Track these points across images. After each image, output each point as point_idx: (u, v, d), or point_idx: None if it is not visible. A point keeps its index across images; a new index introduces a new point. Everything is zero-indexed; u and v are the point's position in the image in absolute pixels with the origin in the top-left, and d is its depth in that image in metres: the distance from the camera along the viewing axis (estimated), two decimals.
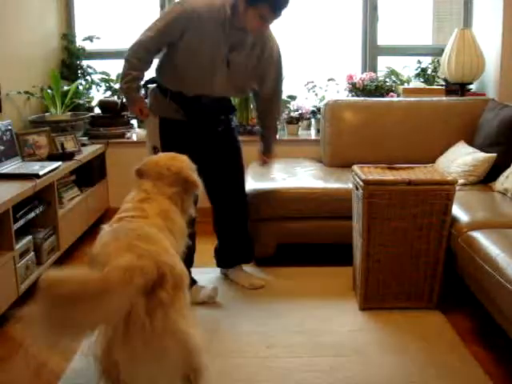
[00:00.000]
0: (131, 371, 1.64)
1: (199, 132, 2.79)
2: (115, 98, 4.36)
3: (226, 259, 3.11)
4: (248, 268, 3.16)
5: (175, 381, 1.71)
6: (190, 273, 2.47)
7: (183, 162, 2.21)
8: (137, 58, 2.66)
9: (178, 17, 2.60)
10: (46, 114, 4.00)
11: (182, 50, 2.63)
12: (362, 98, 4.11)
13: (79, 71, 4.39)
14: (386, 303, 2.74)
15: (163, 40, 2.66)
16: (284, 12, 2.59)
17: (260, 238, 3.19)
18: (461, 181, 3.10)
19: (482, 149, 3.35)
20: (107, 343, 1.64)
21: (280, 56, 2.87)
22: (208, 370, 1.79)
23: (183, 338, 1.65)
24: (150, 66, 2.77)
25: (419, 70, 4.44)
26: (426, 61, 4.48)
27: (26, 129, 3.70)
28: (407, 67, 4.52)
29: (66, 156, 3.51)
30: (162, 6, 4.42)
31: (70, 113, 4.05)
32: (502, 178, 3.11)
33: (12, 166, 3.20)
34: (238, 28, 2.61)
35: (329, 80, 4.40)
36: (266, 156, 3.10)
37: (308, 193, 3.22)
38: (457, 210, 2.73)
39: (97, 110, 4.37)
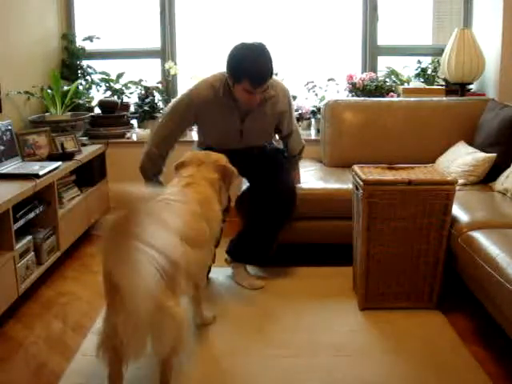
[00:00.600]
0: (122, 337, 1.78)
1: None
2: (115, 98, 4.36)
3: (239, 250, 3.06)
4: (249, 268, 3.15)
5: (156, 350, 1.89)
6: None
7: (220, 155, 2.50)
8: (155, 146, 2.95)
9: (187, 108, 2.86)
10: (46, 114, 4.00)
11: (201, 126, 3.00)
12: (362, 98, 4.11)
13: (79, 71, 4.39)
14: (386, 303, 2.74)
15: (178, 129, 2.96)
16: (265, 83, 2.71)
17: None
18: (461, 181, 3.10)
19: (482, 149, 3.35)
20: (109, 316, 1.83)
21: (289, 96, 3.03)
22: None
23: (164, 317, 1.81)
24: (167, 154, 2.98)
25: (419, 70, 4.44)
26: (426, 61, 4.47)
27: (26, 129, 3.70)
28: (407, 67, 4.52)
29: (66, 156, 3.51)
30: (162, 7, 4.43)
31: (69, 113, 4.05)
32: (502, 178, 3.12)
33: (12, 166, 3.20)
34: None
35: (329, 80, 4.39)
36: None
37: (308, 193, 3.22)
38: (457, 210, 2.73)
39: (97, 110, 4.37)
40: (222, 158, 2.48)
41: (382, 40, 4.48)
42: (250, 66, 2.65)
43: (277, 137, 3.27)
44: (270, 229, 3.02)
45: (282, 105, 2.97)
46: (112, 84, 4.41)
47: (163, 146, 2.96)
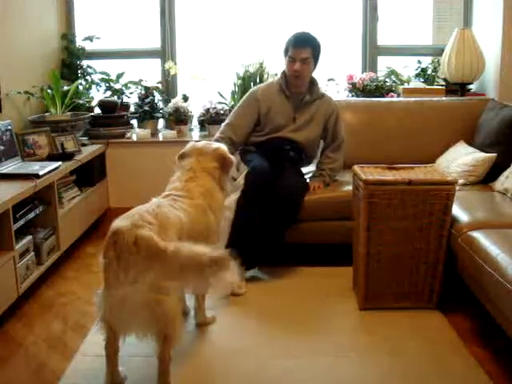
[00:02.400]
0: (113, 315, 2.00)
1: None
2: (115, 98, 4.36)
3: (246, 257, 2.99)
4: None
5: (148, 335, 2.04)
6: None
7: (219, 144, 2.62)
8: (227, 136, 3.23)
9: (251, 98, 3.32)
10: (46, 114, 4.00)
11: (262, 113, 3.29)
12: (362, 98, 4.11)
13: (79, 71, 4.39)
14: (386, 303, 2.74)
15: (246, 117, 3.28)
16: (304, 46, 3.18)
17: None
18: (461, 181, 3.10)
19: (482, 149, 3.35)
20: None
21: (337, 108, 3.40)
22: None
23: (151, 303, 1.94)
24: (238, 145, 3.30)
25: (419, 69, 4.44)
26: (426, 61, 4.48)
27: (26, 129, 3.70)
28: (407, 67, 4.52)
29: (66, 156, 3.51)
30: (162, 7, 4.43)
31: (69, 113, 4.04)
32: (502, 178, 3.11)
33: (12, 166, 3.20)
34: (294, 92, 3.28)
35: (329, 80, 4.40)
36: (313, 182, 3.30)
37: (308, 193, 3.22)
38: (457, 210, 2.73)
39: (97, 110, 4.36)
40: (221, 147, 2.58)
41: (382, 40, 4.48)
42: (295, 35, 3.23)
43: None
44: (275, 233, 3.08)
45: (329, 107, 3.36)
46: (112, 84, 4.41)
47: (228, 131, 3.26)
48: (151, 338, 2.04)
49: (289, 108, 3.30)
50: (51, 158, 3.46)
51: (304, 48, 3.17)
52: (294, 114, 3.29)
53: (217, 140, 3.15)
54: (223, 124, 3.35)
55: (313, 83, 3.33)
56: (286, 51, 3.23)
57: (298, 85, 3.26)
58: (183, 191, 2.35)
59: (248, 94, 3.39)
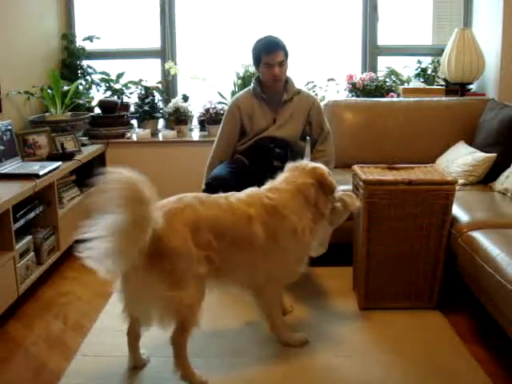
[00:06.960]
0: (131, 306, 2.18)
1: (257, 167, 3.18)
2: (115, 98, 4.36)
3: None
4: None
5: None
6: None
7: (320, 165, 2.52)
8: (217, 157, 3.29)
9: (233, 108, 3.31)
10: (46, 113, 4.00)
11: (244, 121, 3.29)
12: (362, 98, 4.11)
13: (79, 71, 4.39)
14: (386, 303, 2.74)
15: (232, 132, 3.30)
16: (278, 50, 3.16)
17: None
18: (461, 181, 3.10)
19: (482, 149, 3.35)
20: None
21: (316, 99, 3.41)
22: (192, 328, 2.14)
23: (154, 297, 2.07)
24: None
25: (419, 70, 4.44)
26: (426, 61, 4.48)
27: (26, 129, 3.70)
28: (407, 67, 4.52)
29: (66, 156, 3.52)
30: (162, 7, 4.43)
31: (70, 113, 4.04)
32: (501, 178, 3.12)
33: (12, 166, 3.20)
34: (270, 94, 3.27)
35: (329, 80, 4.40)
36: None
37: None
38: (457, 210, 2.73)
39: (97, 110, 4.36)
40: (321, 167, 2.49)
41: (382, 40, 4.48)
42: (263, 41, 3.23)
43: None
44: None
45: (308, 101, 3.31)
46: (112, 84, 4.41)
47: (218, 153, 3.31)
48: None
49: (268, 111, 3.29)
50: (51, 158, 3.46)
51: (278, 52, 3.16)
52: (274, 116, 3.28)
53: (210, 163, 3.26)
54: (214, 143, 3.36)
55: (286, 81, 3.29)
56: (258, 59, 3.20)
57: (278, 87, 3.25)
58: (241, 196, 2.31)
59: (229, 106, 3.39)
